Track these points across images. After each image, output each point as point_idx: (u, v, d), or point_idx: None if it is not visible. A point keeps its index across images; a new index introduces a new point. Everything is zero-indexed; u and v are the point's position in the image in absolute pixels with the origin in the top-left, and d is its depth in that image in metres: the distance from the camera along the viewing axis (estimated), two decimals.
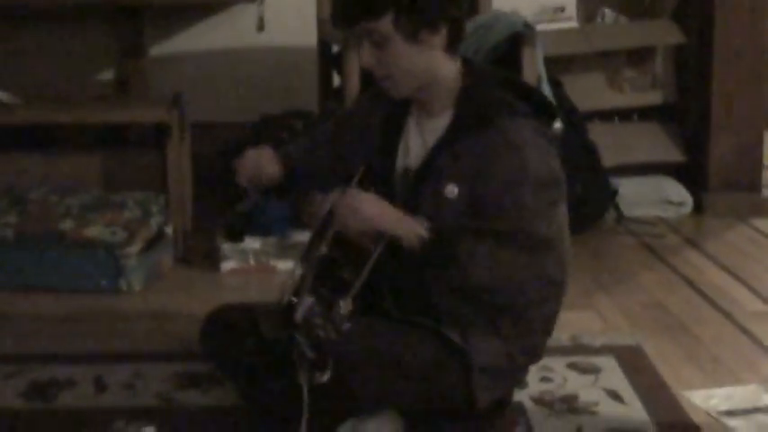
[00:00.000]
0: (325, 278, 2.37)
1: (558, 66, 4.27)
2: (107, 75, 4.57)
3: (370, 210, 2.34)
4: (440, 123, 2.45)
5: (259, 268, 3.75)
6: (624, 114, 4.53)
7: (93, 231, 3.64)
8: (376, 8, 2.33)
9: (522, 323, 2.46)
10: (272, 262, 3.74)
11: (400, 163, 2.52)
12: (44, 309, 3.46)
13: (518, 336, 2.46)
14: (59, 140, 4.27)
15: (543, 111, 2.48)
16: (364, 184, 2.48)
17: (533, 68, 3.92)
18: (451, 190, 2.37)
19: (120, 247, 3.59)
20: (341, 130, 2.81)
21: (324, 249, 2.41)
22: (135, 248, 3.62)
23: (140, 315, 3.41)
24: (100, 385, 2.84)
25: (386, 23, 2.34)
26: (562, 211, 2.45)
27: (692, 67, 4.47)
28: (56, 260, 3.62)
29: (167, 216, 3.87)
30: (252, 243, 3.77)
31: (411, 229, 2.32)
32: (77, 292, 3.57)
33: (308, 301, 2.22)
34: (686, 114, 4.53)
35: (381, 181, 2.50)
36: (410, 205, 2.41)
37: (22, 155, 4.12)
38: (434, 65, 2.41)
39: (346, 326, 2.19)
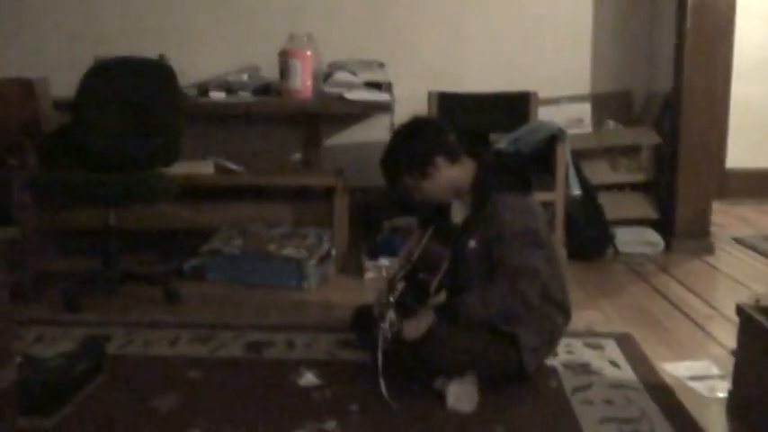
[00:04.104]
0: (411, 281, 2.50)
1: (579, 155, 4.23)
2: (297, 155, 4.64)
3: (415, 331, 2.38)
4: (468, 200, 2.52)
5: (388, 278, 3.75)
6: (620, 187, 4.46)
7: (288, 251, 3.68)
8: (394, 177, 2.51)
9: (537, 318, 2.45)
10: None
11: (454, 221, 2.59)
12: (257, 297, 3.50)
13: (541, 322, 2.48)
14: (268, 194, 4.35)
15: (524, 182, 2.50)
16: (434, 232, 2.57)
17: (564, 157, 3.89)
18: (472, 243, 2.43)
19: (304, 261, 3.63)
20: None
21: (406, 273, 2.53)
22: (313, 262, 3.65)
23: (315, 303, 3.44)
24: (290, 345, 2.87)
25: (406, 179, 2.50)
26: (538, 249, 2.41)
27: (666, 159, 4.39)
28: (265, 268, 3.67)
29: (332, 242, 3.90)
30: (384, 261, 3.79)
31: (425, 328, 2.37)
32: (278, 288, 3.61)
33: (382, 308, 2.38)
34: (661, 188, 4.45)
35: (444, 230, 2.57)
36: (457, 249, 2.47)
37: (245, 203, 4.21)
38: (451, 179, 2.50)
39: (397, 327, 2.34)
